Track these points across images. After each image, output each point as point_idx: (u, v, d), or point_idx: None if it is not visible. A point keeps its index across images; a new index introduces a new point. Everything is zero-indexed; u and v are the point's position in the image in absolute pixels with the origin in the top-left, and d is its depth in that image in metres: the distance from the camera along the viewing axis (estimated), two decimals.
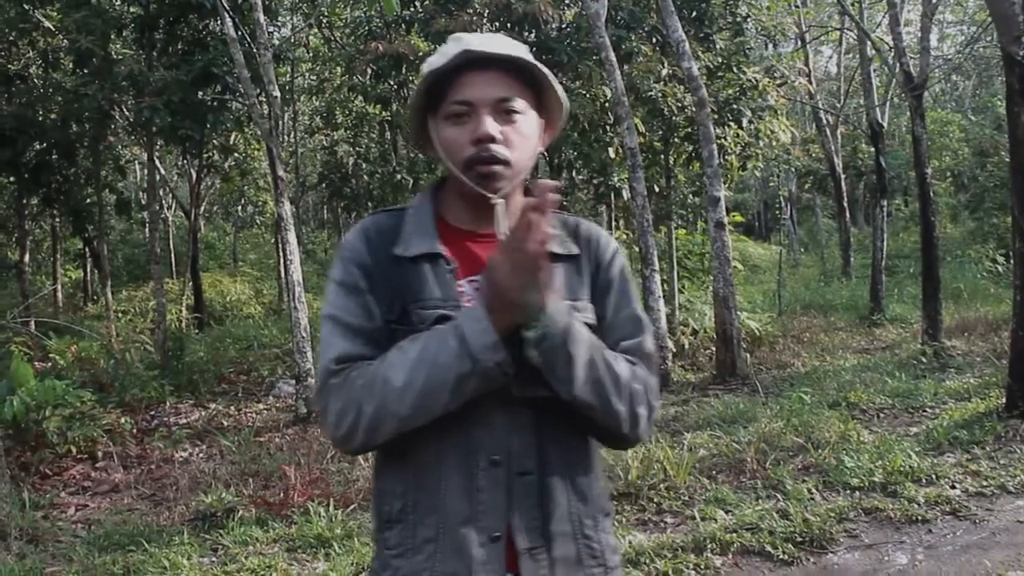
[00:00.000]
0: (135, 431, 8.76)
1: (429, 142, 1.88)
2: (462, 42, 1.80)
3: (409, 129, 1.95)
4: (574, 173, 14.91)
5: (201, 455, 8.12)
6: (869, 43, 14.71)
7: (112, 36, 13.38)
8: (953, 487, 5.86)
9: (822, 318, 14.65)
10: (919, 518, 5.36)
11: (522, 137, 1.81)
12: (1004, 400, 7.35)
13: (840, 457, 6.38)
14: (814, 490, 5.91)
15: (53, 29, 13.61)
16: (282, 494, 6.31)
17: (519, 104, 1.81)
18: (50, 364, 10.71)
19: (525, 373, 1.68)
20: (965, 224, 24.95)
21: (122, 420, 8.60)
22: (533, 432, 1.76)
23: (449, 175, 1.86)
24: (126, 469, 7.70)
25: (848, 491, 5.86)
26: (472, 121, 1.77)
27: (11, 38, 14.17)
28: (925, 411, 8.08)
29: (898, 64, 11.36)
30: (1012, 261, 7.83)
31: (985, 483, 5.88)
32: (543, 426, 1.76)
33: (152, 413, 9.80)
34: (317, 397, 1.79)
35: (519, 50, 1.83)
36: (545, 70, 1.84)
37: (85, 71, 12.71)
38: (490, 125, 1.76)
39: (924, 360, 10.15)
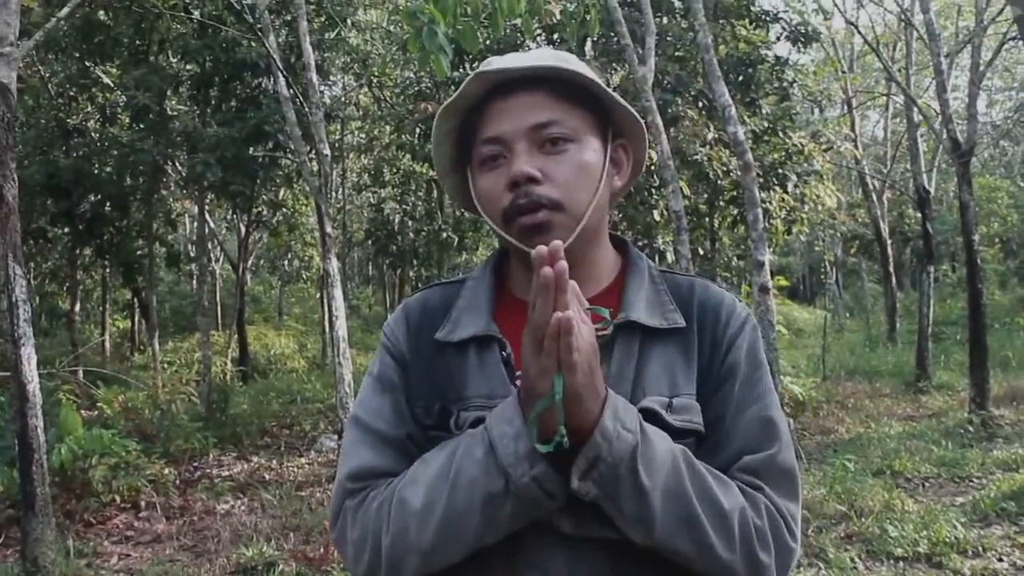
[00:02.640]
0: (178, 482, 8.82)
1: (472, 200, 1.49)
2: (482, 65, 1.42)
3: (447, 190, 1.57)
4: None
5: (243, 508, 8.15)
6: (916, 109, 14.71)
7: (168, 93, 13.72)
8: (1000, 560, 5.75)
9: (867, 384, 14.49)
10: None
11: (575, 170, 1.37)
12: None
13: (884, 526, 6.29)
14: (857, 559, 5.83)
15: (112, 85, 14.00)
16: (322, 549, 6.32)
17: (565, 128, 1.37)
18: (97, 413, 10.84)
19: (583, 503, 1.26)
20: (1014, 291, 24.71)
21: (166, 471, 8.68)
22: None
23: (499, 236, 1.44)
24: (168, 520, 7.75)
25: (892, 561, 5.78)
26: (504, 167, 1.37)
27: (71, 93, 14.58)
28: (972, 481, 7.95)
29: (945, 130, 11.35)
30: None
31: None
32: (622, 572, 1.31)
33: (195, 464, 9.87)
34: (333, 522, 1.41)
35: (556, 57, 1.41)
36: (593, 76, 1.40)
37: (141, 126, 13.03)
38: (524, 161, 1.34)
39: (971, 429, 9.98)
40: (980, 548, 5.91)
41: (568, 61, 1.40)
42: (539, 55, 1.41)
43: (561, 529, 1.28)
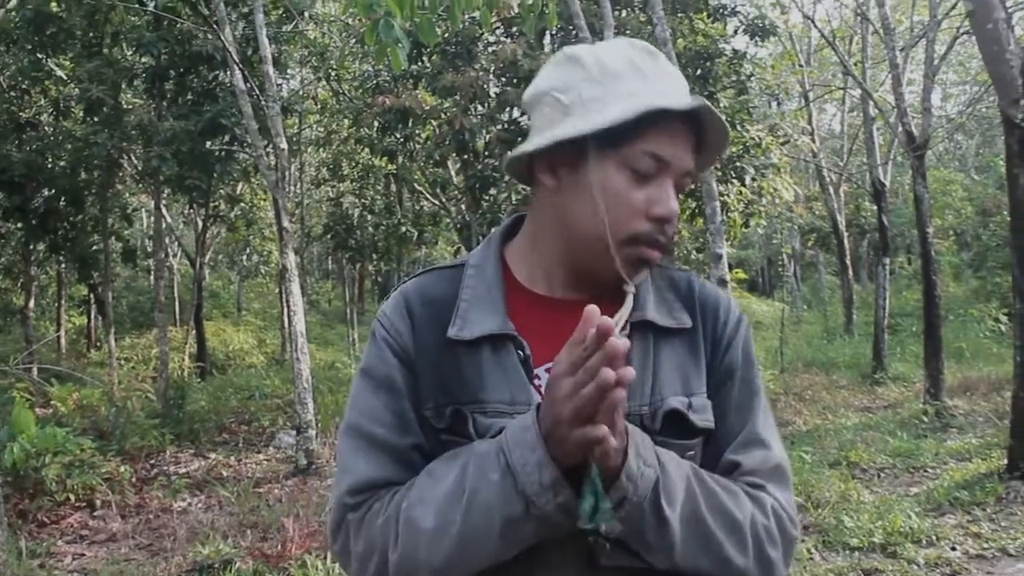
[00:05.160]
0: (134, 480, 8.73)
1: (548, 169, 1.38)
2: (654, 84, 1.34)
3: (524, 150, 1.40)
4: None
5: (200, 505, 8.09)
6: (872, 103, 14.85)
7: (123, 86, 13.56)
8: (953, 549, 5.82)
9: (824, 376, 14.62)
10: None
11: None
12: (1006, 461, 7.31)
13: (840, 517, 6.35)
14: (813, 550, 5.88)
15: (65, 78, 13.81)
16: (280, 546, 6.28)
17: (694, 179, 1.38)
18: (51, 411, 10.71)
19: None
20: (968, 283, 24.96)
21: (121, 468, 8.56)
22: None
23: (564, 230, 1.38)
24: (124, 518, 7.67)
25: (848, 551, 5.84)
26: (654, 186, 1.33)
27: (23, 86, 14.37)
28: (926, 471, 8.05)
29: (900, 124, 11.46)
30: (1013, 321, 7.83)
31: (986, 545, 5.84)
32: None
33: (152, 462, 9.77)
34: (334, 535, 1.37)
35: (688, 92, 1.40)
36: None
37: (95, 120, 12.85)
38: (675, 201, 1.34)
39: (926, 419, 10.12)
40: (934, 537, 5.98)
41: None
42: (684, 85, 1.39)
43: (599, 561, 1.28)
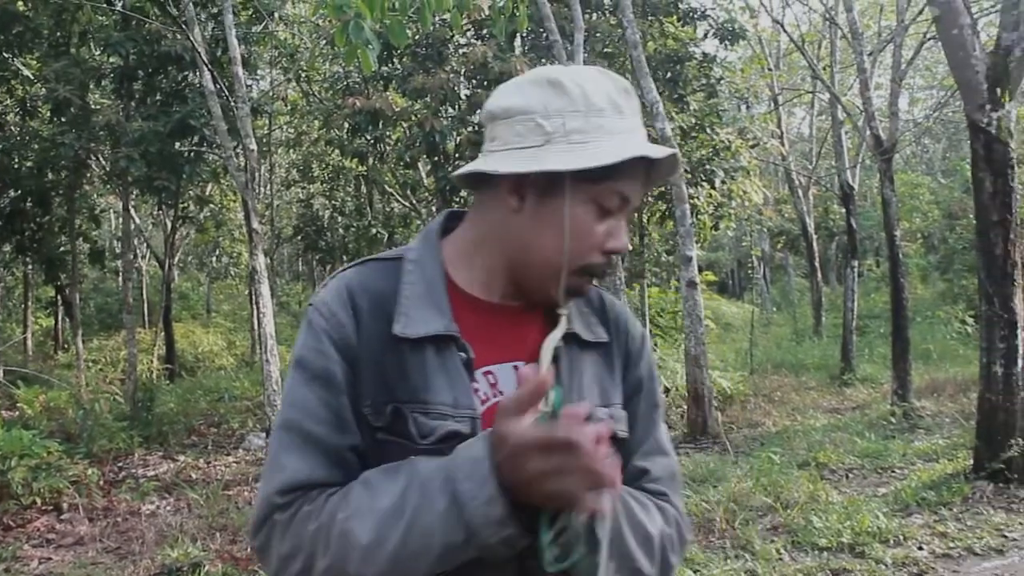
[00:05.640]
0: (102, 483, 8.63)
1: (515, 191, 1.37)
2: (628, 123, 1.37)
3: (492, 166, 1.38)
4: None
5: (168, 508, 8.02)
6: (840, 106, 14.97)
7: (91, 86, 13.44)
8: (920, 548, 5.87)
9: (793, 377, 14.71)
10: None
11: None
12: (971, 461, 7.39)
13: (809, 517, 6.38)
14: (783, 550, 5.91)
15: (32, 77, 13.65)
16: (249, 549, 6.24)
17: None
18: (17, 413, 10.60)
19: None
20: (935, 285, 25.20)
21: (89, 471, 8.48)
22: None
23: (518, 250, 1.39)
24: (91, 521, 7.59)
25: (816, 551, 5.87)
26: (612, 221, 1.38)
27: None
28: (894, 472, 8.12)
29: (868, 128, 11.56)
30: (979, 323, 7.92)
31: (952, 545, 5.90)
32: None
33: (120, 464, 9.69)
34: (256, 530, 1.32)
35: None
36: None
37: (63, 120, 12.74)
38: (627, 236, 1.41)
39: (893, 420, 10.21)
40: (901, 537, 6.03)
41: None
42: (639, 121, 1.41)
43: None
